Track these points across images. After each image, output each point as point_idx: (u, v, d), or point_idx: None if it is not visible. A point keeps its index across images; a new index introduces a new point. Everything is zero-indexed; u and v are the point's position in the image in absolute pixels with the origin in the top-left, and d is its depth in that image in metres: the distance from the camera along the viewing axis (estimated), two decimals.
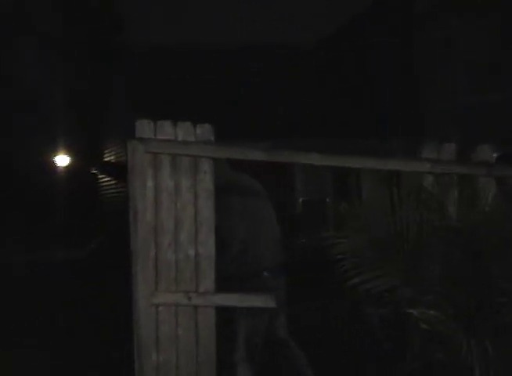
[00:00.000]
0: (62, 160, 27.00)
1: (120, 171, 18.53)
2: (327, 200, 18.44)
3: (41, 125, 26.05)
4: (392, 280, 4.43)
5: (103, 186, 24.07)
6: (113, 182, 22.36)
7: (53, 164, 26.89)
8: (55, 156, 26.85)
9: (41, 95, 26.73)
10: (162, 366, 4.88)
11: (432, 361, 4.46)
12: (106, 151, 23.64)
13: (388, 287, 4.41)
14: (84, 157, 25.92)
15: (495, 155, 5.21)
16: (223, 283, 4.95)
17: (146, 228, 4.86)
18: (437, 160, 5.02)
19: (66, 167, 26.94)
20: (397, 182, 4.71)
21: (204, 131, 4.95)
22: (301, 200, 18.92)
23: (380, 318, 4.69)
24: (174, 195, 4.90)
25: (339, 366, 6.54)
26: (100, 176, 24.33)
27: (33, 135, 25.25)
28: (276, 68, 19.24)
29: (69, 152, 26.84)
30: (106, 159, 23.61)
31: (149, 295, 4.84)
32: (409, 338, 4.54)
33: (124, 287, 5.00)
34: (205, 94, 17.29)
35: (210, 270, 4.94)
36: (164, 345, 4.88)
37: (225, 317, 5.17)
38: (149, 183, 4.87)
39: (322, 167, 5.53)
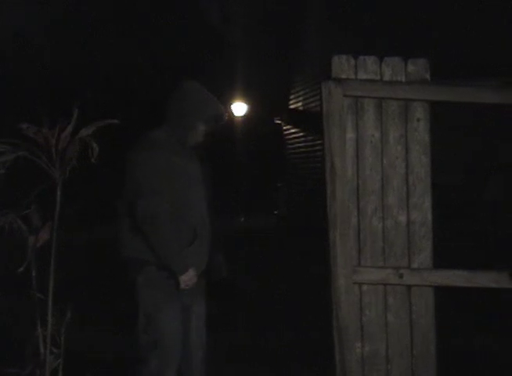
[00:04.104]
0: (239, 108, 23.30)
1: (311, 119, 16.90)
2: None
3: (219, 66, 23.03)
4: None
5: (290, 139, 20.66)
6: (302, 133, 19.16)
7: (229, 113, 22.21)
8: (231, 103, 22.89)
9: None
10: (368, 358, 4.11)
11: None
12: (293, 96, 20.07)
13: None
14: (266, 104, 22.50)
15: None
16: None
17: (346, 189, 4.08)
18: None
19: (244, 116, 23.38)
20: None
21: (418, 67, 4.12)
22: None
23: None
24: (380, 148, 4.12)
25: None
26: (286, 127, 21.01)
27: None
28: None
29: (247, 98, 23.26)
30: (292, 106, 20.11)
31: (350, 272, 4.07)
32: None
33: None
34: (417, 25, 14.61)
35: (427, 241, 4.12)
36: (370, 333, 4.10)
37: None
38: (349, 134, 4.13)
39: None
